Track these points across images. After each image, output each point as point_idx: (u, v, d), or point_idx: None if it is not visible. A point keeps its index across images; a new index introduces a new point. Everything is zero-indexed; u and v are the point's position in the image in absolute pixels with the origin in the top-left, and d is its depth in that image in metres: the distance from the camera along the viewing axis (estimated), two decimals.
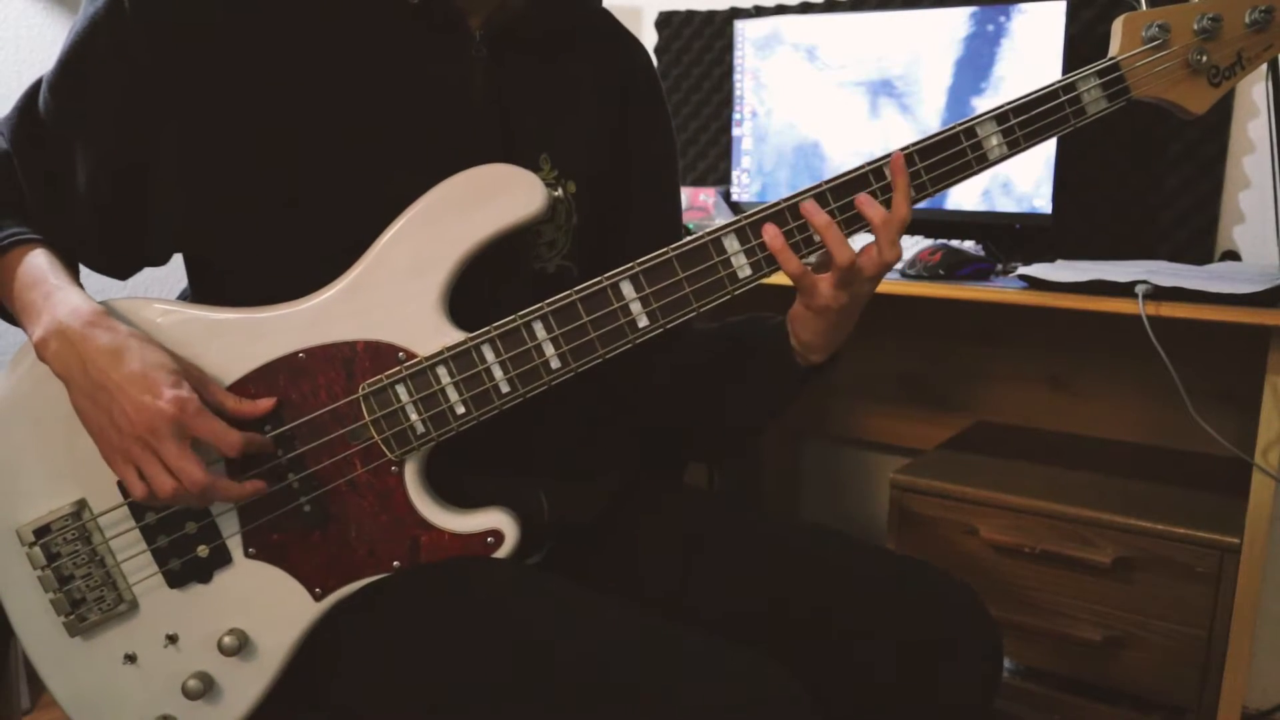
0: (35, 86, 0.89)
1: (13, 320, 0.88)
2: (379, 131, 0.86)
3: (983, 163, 0.87)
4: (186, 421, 0.78)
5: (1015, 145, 0.87)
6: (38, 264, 0.85)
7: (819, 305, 0.87)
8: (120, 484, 0.84)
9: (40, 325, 0.82)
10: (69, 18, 1.82)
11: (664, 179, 1.05)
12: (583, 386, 0.87)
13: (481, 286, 0.86)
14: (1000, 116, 0.87)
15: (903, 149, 0.86)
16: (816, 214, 0.84)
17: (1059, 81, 0.87)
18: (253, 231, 0.86)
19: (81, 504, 0.85)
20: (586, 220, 0.94)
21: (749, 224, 0.84)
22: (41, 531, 0.85)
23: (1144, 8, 0.88)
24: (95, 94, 0.85)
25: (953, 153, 0.86)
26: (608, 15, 1.02)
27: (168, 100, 0.84)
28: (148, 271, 0.94)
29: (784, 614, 0.89)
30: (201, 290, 0.94)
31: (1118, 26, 0.88)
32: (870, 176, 0.85)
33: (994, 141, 0.87)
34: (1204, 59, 0.88)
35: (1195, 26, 0.87)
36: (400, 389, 0.83)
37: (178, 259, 0.94)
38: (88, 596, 0.85)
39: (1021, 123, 0.87)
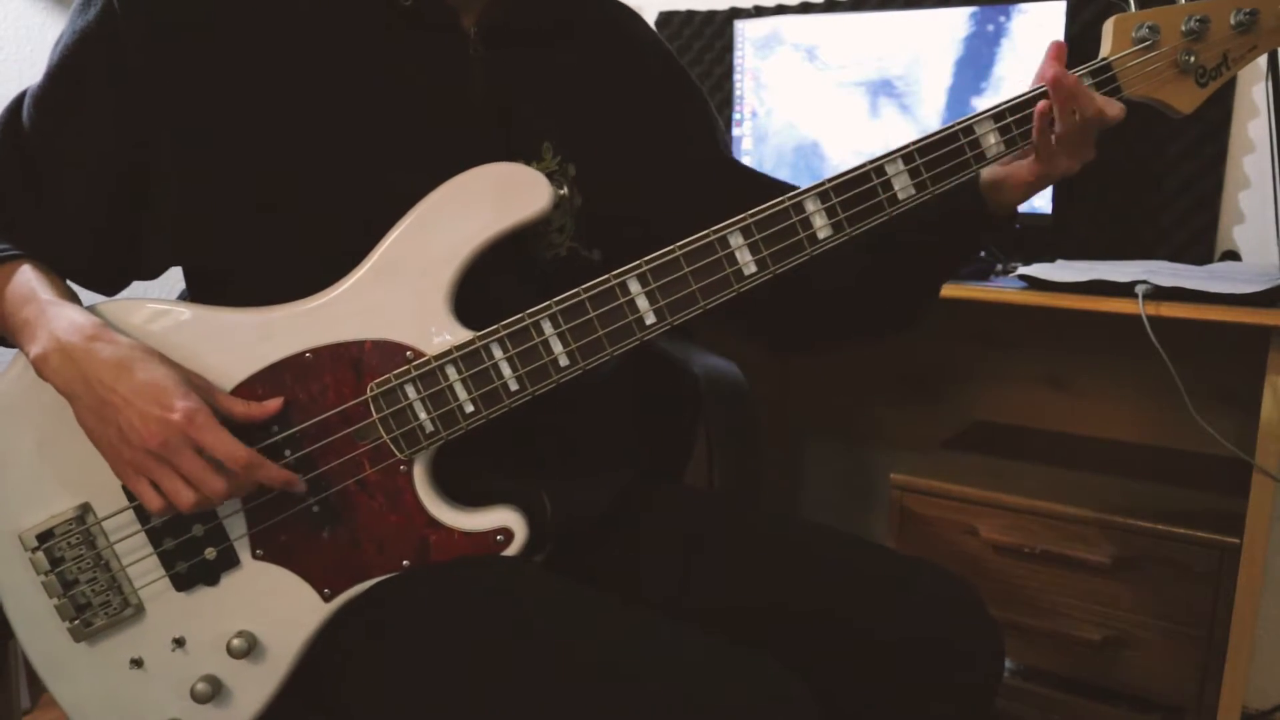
0: (17, 101, 0.88)
1: (4, 341, 0.86)
2: (379, 132, 0.86)
3: (981, 161, 0.88)
4: (195, 434, 0.76)
5: (1013, 144, 0.88)
6: (26, 280, 0.84)
7: (1052, 171, 0.88)
8: (125, 488, 0.83)
9: (38, 342, 0.80)
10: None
11: (704, 129, 1.05)
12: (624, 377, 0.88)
13: (491, 282, 0.86)
14: (997, 115, 0.87)
15: (902, 148, 0.86)
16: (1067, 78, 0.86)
17: None
18: (253, 235, 0.86)
19: (85, 508, 0.85)
20: (592, 201, 0.94)
21: (753, 221, 0.85)
22: (45, 536, 0.84)
23: (1134, 9, 0.90)
24: (89, 101, 0.84)
25: (951, 150, 0.87)
26: None
27: (163, 102, 0.83)
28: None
29: (785, 613, 0.89)
30: (201, 294, 0.92)
31: (1109, 27, 0.90)
32: (871, 174, 0.86)
33: (992, 140, 0.88)
34: (1192, 59, 0.90)
35: (1183, 28, 0.89)
36: (409, 388, 0.83)
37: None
38: (93, 601, 0.85)
39: (1018, 120, 0.87)
